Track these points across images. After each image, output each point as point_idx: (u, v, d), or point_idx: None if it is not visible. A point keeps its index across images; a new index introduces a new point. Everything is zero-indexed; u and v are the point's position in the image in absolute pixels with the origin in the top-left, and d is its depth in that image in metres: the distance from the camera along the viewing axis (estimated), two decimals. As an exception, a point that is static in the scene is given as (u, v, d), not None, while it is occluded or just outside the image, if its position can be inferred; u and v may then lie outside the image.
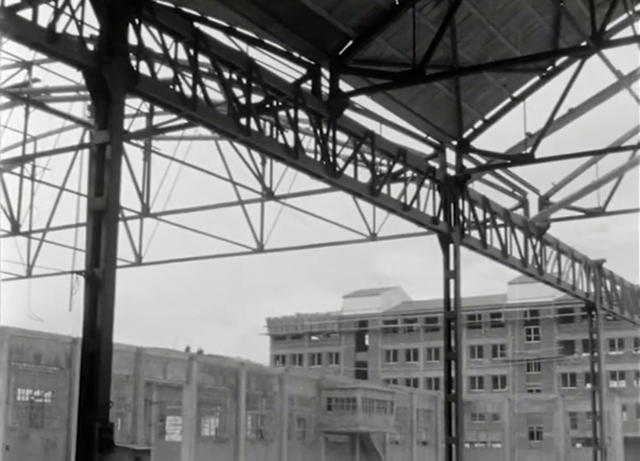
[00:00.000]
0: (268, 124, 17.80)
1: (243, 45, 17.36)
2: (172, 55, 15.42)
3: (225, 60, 16.41)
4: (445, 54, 19.19)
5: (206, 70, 17.04)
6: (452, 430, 21.71)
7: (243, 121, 16.54)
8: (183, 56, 15.70)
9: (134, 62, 14.43)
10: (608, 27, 18.43)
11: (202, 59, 16.08)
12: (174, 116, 18.00)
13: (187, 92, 15.46)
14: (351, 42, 18.63)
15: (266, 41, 17.77)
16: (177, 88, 15.28)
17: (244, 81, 16.77)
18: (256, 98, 17.21)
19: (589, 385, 32.69)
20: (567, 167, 25.33)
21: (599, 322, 31.39)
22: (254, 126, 16.75)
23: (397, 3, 18.20)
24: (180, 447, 61.02)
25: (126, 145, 24.73)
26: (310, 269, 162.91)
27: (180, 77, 15.39)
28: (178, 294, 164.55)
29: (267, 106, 17.56)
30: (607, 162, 24.78)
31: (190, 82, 15.54)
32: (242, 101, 16.71)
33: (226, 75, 16.59)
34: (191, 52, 15.64)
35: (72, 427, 44.52)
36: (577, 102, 22.82)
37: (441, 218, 21.98)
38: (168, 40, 15.34)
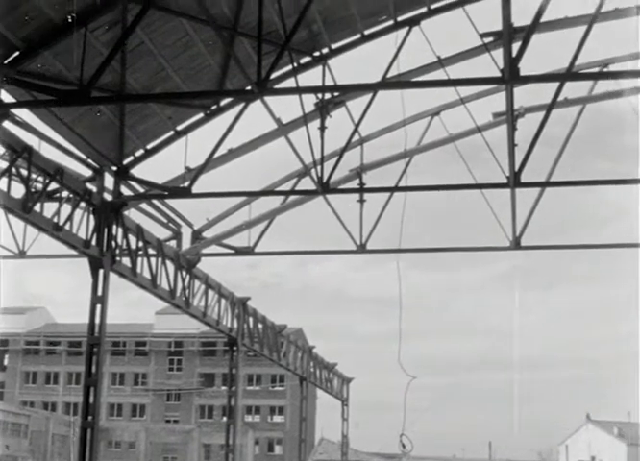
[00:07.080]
0: None
1: None
2: None
3: None
4: (113, 78, 19.10)
5: None
6: (85, 457, 21.32)
7: None
8: None
9: None
10: (273, 75, 19.14)
11: None
12: None
13: None
14: (17, 53, 18.09)
15: None
16: None
17: None
18: None
19: (225, 418, 33.31)
20: (223, 205, 25.97)
21: (239, 357, 32.17)
22: None
23: (69, 20, 17.90)
24: None
25: None
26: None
27: None
28: None
29: None
30: (261, 204, 25.69)
31: None
32: None
33: None
34: None
35: None
36: (238, 142, 23.50)
37: (93, 242, 21.68)
38: None
